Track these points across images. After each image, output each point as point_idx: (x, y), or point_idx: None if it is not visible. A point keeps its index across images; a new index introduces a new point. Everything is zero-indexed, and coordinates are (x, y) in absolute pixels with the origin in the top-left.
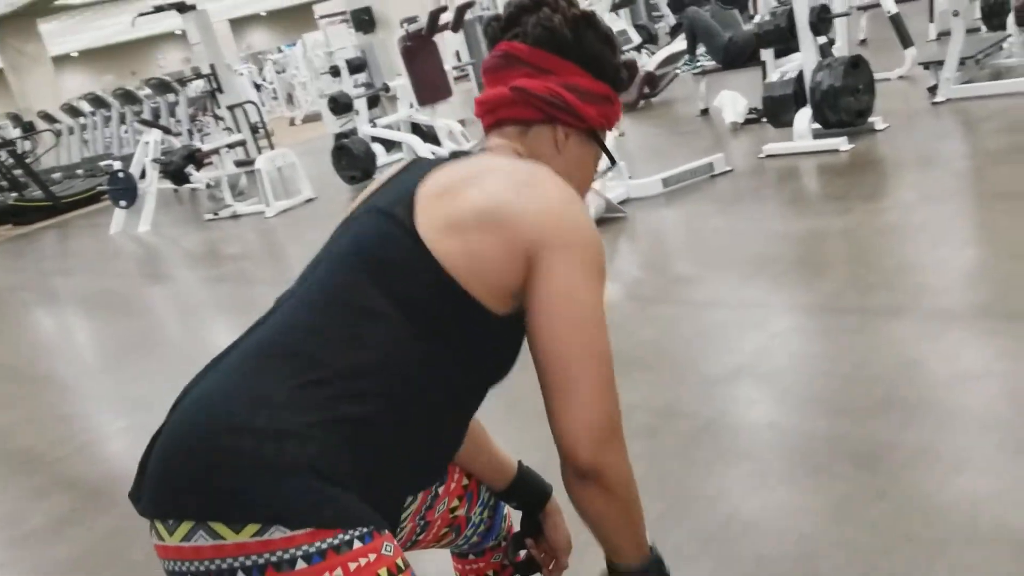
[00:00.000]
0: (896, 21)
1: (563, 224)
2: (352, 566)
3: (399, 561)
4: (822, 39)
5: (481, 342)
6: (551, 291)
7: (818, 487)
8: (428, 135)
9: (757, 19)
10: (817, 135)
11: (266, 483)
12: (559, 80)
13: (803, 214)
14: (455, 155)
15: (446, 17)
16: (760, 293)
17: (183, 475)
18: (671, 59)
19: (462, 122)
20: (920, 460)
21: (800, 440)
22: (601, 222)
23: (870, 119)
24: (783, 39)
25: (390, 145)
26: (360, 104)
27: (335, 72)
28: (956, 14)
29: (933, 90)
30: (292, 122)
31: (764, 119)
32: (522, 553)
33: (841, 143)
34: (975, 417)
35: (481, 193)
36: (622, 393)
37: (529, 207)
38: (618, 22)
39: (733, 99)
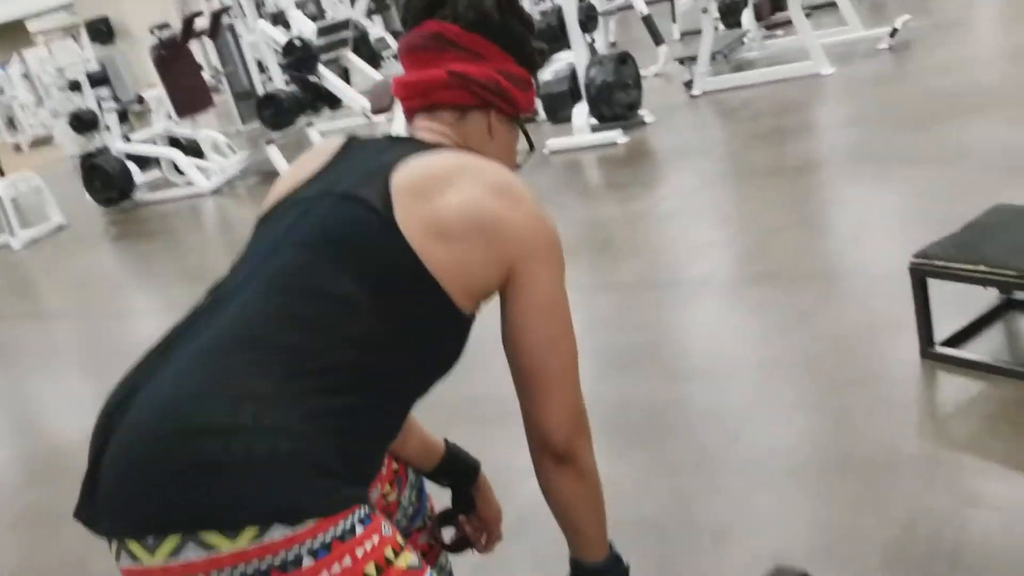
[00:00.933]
0: (648, 21)
1: (543, 237)
2: (359, 552)
3: (399, 538)
4: (588, 38)
5: (446, 339)
6: (536, 302)
7: (611, 443)
8: (189, 148)
9: None
10: (594, 129)
11: (261, 482)
12: (492, 66)
13: (592, 203)
14: (392, 140)
15: (201, 23)
16: None
17: (160, 484)
18: None
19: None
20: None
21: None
22: None
23: (640, 112)
24: (555, 37)
25: (144, 162)
26: (111, 119)
27: (75, 87)
28: (705, 11)
29: (689, 85)
30: (17, 148)
31: (540, 117)
32: (447, 533)
33: (618, 136)
34: (733, 363)
35: (463, 200)
36: None
37: (516, 220)
38: (374, 28)
39: None
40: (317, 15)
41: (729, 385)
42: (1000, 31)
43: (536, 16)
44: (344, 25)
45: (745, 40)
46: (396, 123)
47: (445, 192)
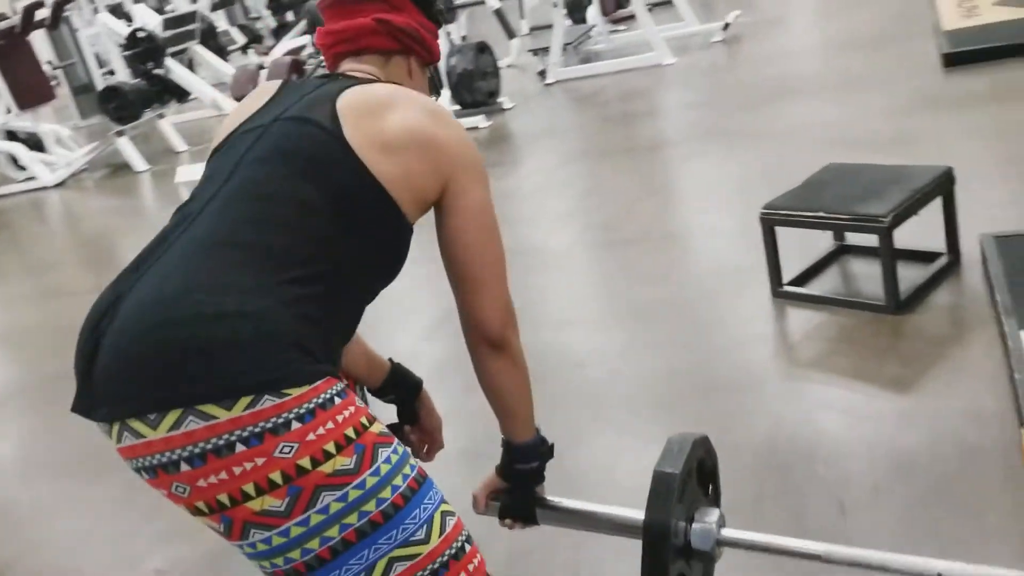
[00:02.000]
0: (500, 15)
1: (472, 155)
2: (339, 418)
3: (369, 412)
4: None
5: (393, 243)
6: (470, 207)
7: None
8: (30, 142)
9: None
10: (457, 115)
11: (250, 359)
12: (410, 17)
13: None
14: (327, 76)
15: (42, 14)
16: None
17: (160, 367)
18: (295, 51)
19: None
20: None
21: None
22: None
23: (499, 99)
24: None
25: None
26: None
27: None
28: (556, 5)
29: (543, 74)
30: None
31: None
32: None
33: (480, 120)
34: (605, 313)
35: (404, 119)
36: None
37: (450, 138)
38: (220, 22)
39: None
40: (159, 8)
41: (605, 331)
42: (815, 25)
43: None
44: (191, 17)
45: (592, 34)
46: None
47: (386, 113)
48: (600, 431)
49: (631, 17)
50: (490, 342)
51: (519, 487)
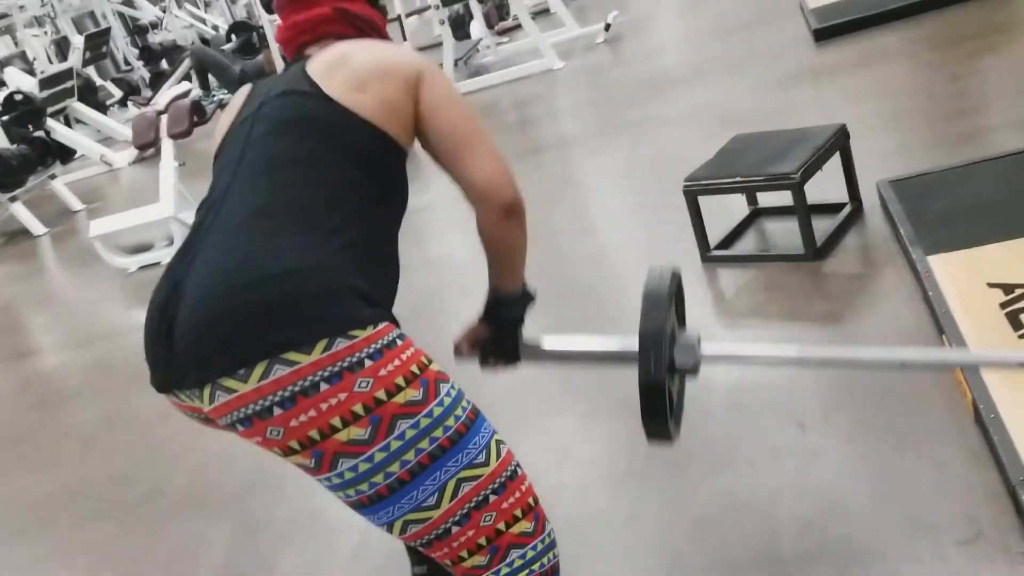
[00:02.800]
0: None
1: (429, 64)
2: (404, 356)
3: (426, 353)
4: None
5: (398, 173)
6: (438, 94)
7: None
8: None
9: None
10: None
11: (320, 308)
12: (362, 7)
13: None
14: (297, 60)
15: None
16: None
17: (242, 327)
18: (181, 95)
19: None
20: None
21: None
22: None
23: None
24: None
25: None
26: None
27: None
28: (443, 22)
29: None
30: None
31: None
32: None
33: None
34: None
35: (367, 58)
36: None
37: (406, 58)
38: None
39: None
40: (29, 69)
41: (557, 310)
42: (688, 18)
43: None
44: (68, 75)
45: (480, 48)
46: (164, 158)
47: (351, 61)
48: (545, 425)
49: (516, 27)
50: (503, 204)
51: (507, 332)
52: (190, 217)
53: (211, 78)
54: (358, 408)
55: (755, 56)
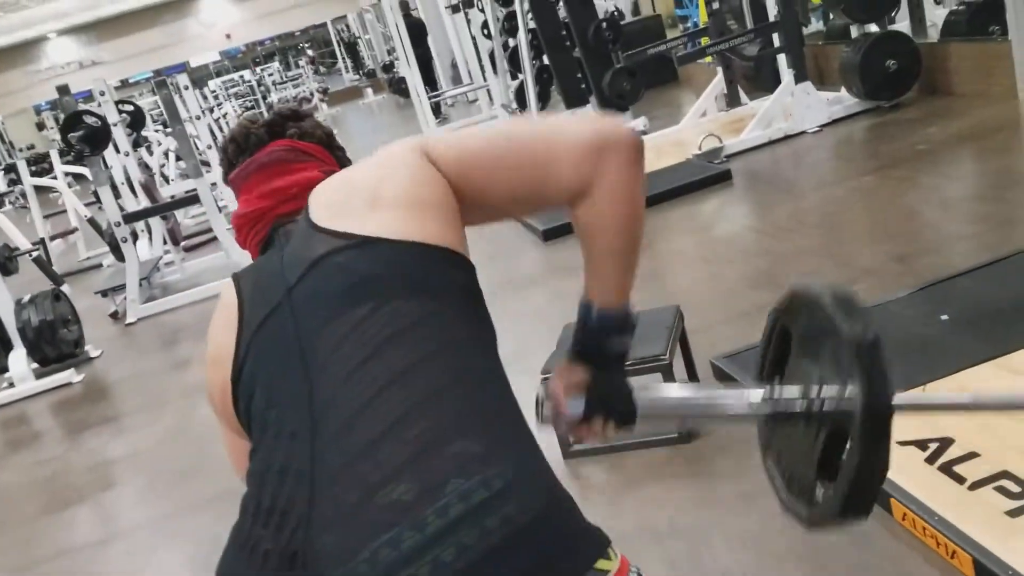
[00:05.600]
0: (40, 263)
1: (430, 138)
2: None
3: None
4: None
5: (478, 294)
6: (479, 142)
7: None
8: None
9: None
10: (41, 375)
11: (563, 534)
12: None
13: (72, 449)
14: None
15: None
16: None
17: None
18: None
19: None
20: None
21: None
22: None
23: (85, 348)
24: None
25: None
26: None
27: None
28: (125, 240)
29: (115, 315)
30: None
31: None
32: None
33: (71, 375)
34: None
35: (367, 177)
36: None
37: (392, 149)
38: None
39: None
40: None
41: None
42: None
43: None
44: None
45: (160, 266)
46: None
47: (349, 196)
48: None
49: (207, 243)
50: (627, 142)
51: (617, 374)
52: None
53: None
54: None
55: (490, 256)
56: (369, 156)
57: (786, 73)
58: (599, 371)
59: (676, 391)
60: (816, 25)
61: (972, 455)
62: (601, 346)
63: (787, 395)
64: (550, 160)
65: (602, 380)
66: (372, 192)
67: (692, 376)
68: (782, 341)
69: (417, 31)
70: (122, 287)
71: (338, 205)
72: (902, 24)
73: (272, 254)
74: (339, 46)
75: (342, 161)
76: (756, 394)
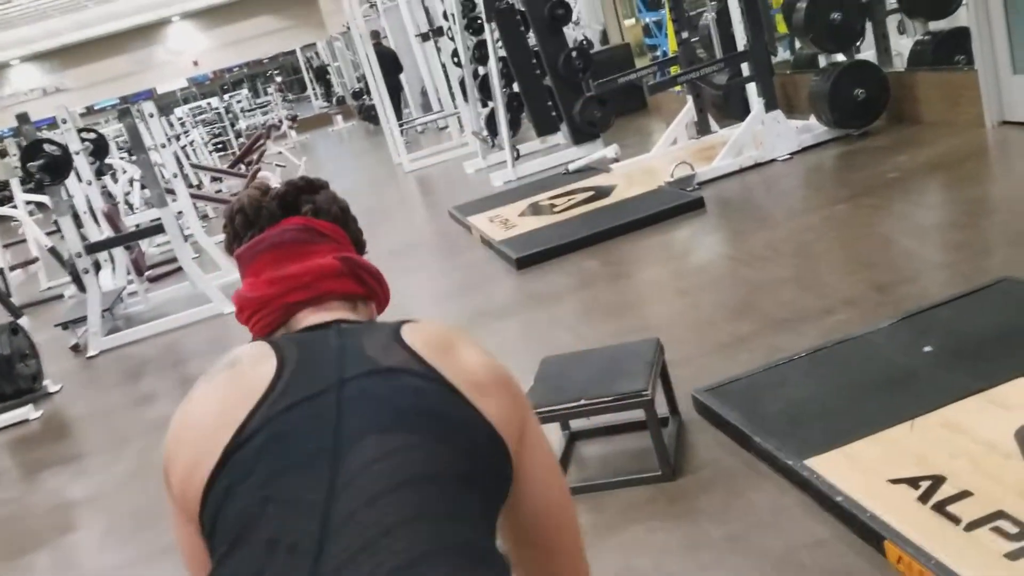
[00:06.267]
0: (2, 298)
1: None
2: None
3: None
4: None
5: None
6: (548, 460)
7: None
8: None
9: None
10: None
11: None
12: (361, 258)
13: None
14: (323, 328)
15: None
16: None
17: None
18: None
19: None
20: None
21: None
22: None
23: (44, 382)
24: None
25: None
26: None
27: None
28: (87, 271)
29: (76, 348)
30: None
31: None
32: None
33: (29, 411)
34: None
35: (479, 356)
36: None
37: (514, 377)
38: None
39: None
40: None
41: None
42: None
43: None
44: None
45: (123, 296)
46: None
47: (458, 350)
48: None
49: (172, 273)
50: None
51: None
52: None
53: None
54: None
55: (467, 288)
56: (486, 350)
57: (756, 102)
58: None
59: None
60: (783, 55)
61: (965, 494)
62: None
63: None
64: (549, 560)
65: None
66: (475, 378)
67: (673, 411)
68: None
69: (390, 63)
70: (83, 319)
71: (437, 349)
72: (868, 53)
73: (323, 338)
74: (308, 73)
75: (357, 237)
76: None
